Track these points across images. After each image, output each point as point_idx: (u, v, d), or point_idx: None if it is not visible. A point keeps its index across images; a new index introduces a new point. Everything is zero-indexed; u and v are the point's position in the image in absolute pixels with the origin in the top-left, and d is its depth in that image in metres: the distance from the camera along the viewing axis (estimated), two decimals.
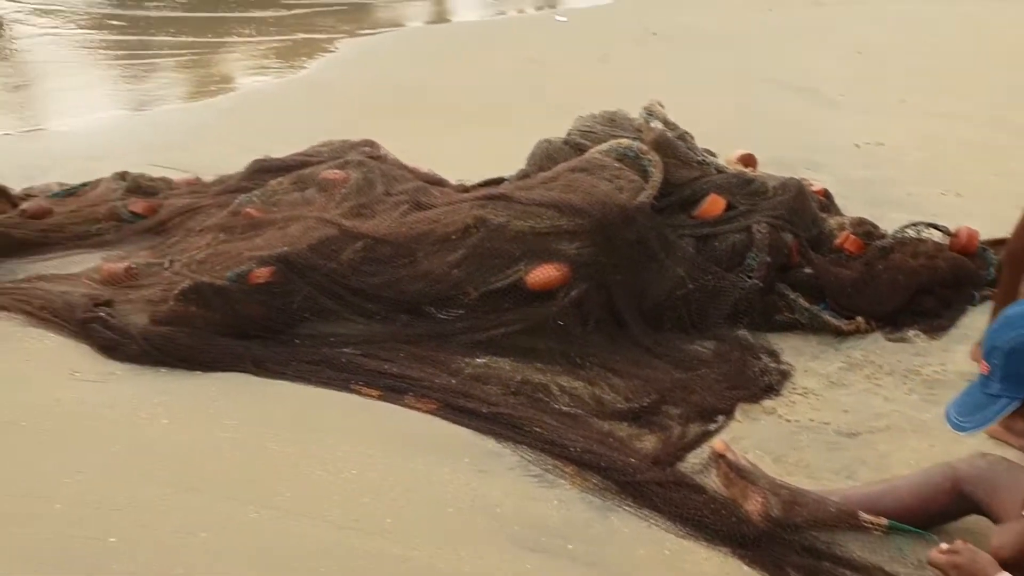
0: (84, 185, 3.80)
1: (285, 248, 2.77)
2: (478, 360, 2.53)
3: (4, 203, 3.44)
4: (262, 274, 2.69)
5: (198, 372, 2.53)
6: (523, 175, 3.23)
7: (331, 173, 3.29)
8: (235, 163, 4.22)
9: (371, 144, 3.85)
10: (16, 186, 3.91)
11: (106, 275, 2.99)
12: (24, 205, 3.43)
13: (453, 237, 2.76)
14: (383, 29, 8.09)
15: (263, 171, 3.59)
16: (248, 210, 3.12)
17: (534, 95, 5.62)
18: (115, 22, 7.83)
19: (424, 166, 3.74)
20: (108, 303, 2.79)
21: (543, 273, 2.57)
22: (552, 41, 7.29)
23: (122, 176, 3.71)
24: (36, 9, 8.34)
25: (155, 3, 8.34)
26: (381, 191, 3.20)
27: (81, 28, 7.75)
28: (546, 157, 3.14)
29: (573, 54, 6.80)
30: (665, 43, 7.15)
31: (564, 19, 8.13)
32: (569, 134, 3.15)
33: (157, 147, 4.65)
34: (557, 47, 7.06)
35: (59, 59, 6.76)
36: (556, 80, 5.99)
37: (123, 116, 5.56)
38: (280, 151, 4.21)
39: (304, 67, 6.52)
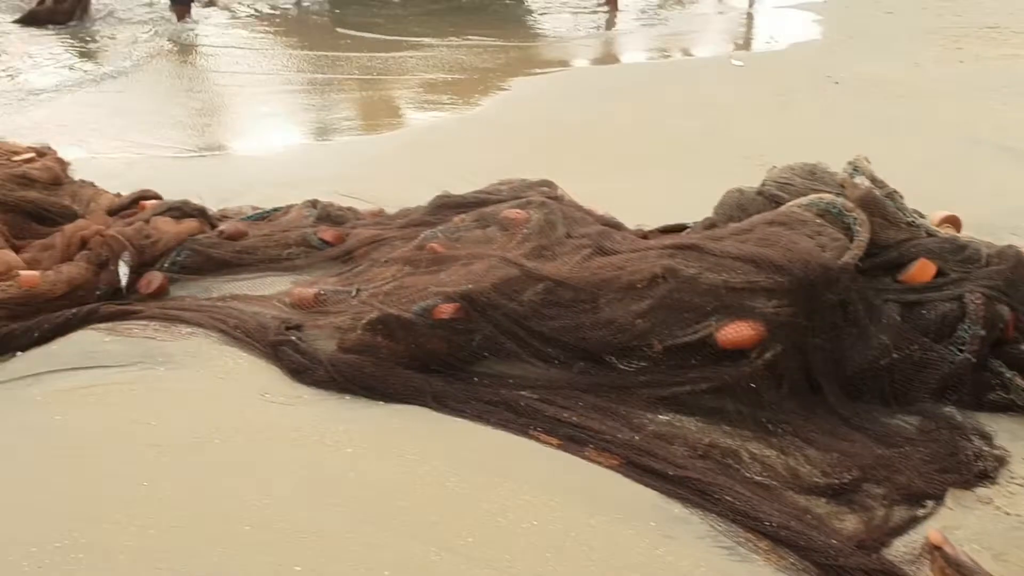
0: (276, 210, 3.97)
1: (469, 285, 2.77)
2: (661, 417, 2.44)
3: (204, 223, 3.63)
4: (446, 310, 2.70)
5: (380, 402, 2.56)
6: (710, 224, 3.13)
7: (513, 212, 3.29)
8: (415, 196, 4.31)
9: (549, 184, 3.84)
10: (211, 206, 4.14)
11: (296, 299, 3.09)
12: (222, 226, 3.60)
13: (639, 285, 2.69)
14: (553, 69, 8.16)
15: (445, 207, 3.64)
16: (433, 245, 3.16)
17: (711, 139, 5.49)
18: (298, 51, 8.22)
19: (600, 208, 3.70)
20: (298, 327, 2.88)
21: (736, 330, 2.46)
22: (727, 85, 7.13)
23: (312, 204, 3.85)
24: (227, 44, 8.93)
25: (340, 41, 8.71)
26: (562, 233, 3.17)
27: (265, 57, 8.20)
28: (737, 207, 3.03)
29: (750, 99, 6.63)
30: (847, 92, 6.87)
31: (741, 64, 7.95)
32: (764, 184, 3.03)
33: (341, 177, 4.82)
34: (733, 91, 6.91)
35: (245, 85, 7.14)
36: (733, 125, 5.84)
37: (309, 145, 5.80)
38: (458, 187, 4.27)
39: (479, 104, 6.63)
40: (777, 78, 7.32)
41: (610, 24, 10.13)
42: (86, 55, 8.26)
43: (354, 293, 3.06)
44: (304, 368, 2.66)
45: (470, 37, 9.09)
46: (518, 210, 3.30)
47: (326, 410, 2.50)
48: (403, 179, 4.83)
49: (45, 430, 2.37)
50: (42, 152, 4.59)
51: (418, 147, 5.47)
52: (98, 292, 3.13)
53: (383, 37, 9.00)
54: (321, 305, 3.05)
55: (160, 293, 3.21)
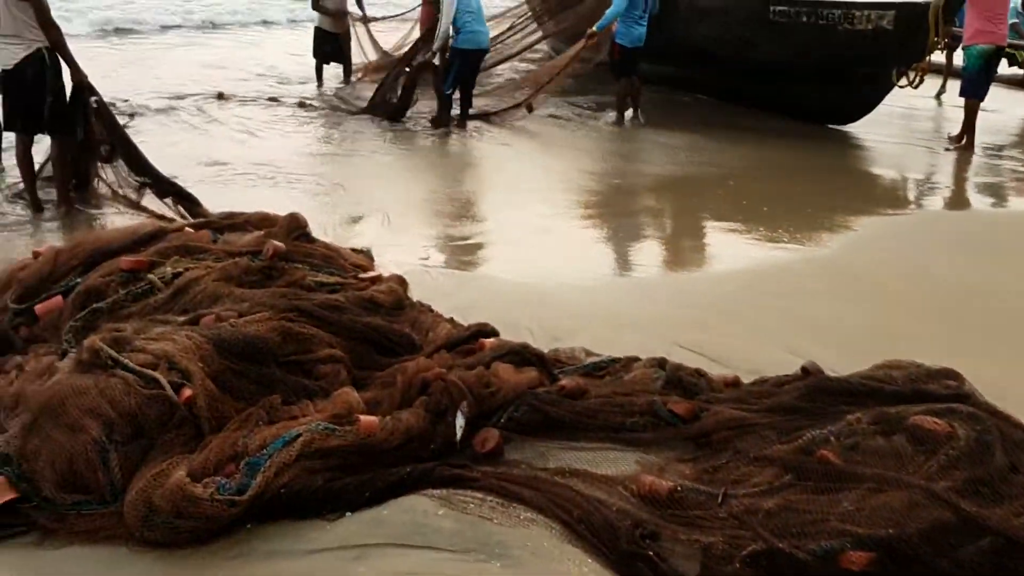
0: (613, 362, 3.57)
1: (889, 529, 2.13)
2: None
3: (542, 373, 3.29)
4: (859, 560, 2.08)
5: None
6: None
7: (928, 421, 2.60)
8: (768, 358, 3.77)
9: (954, 376, 3.10)
10: (541, 343, 3.83)
11: (647, 490, 2.60)
12: (563, 381, 3.23)
13: None
14: (902, 210, 7.30)
15: (824, 392, 3.02)
16: (825, 453, 2.55)
17: None
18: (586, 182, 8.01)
19: None
20: (654, 536, 2.38)
21: None
22: None
23: (660, 364, 3.39)
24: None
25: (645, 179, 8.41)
26: (1003, 463, 2.43)
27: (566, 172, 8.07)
28: None
29: None
30: None
31: None
32: None
33: (675, 322, 4.36)
34: None
35: (561, 208, 6.97)
36: None
37: (637, 280, 5.41)
38: (814, 351, 3.68)
39: (826, 244, 5.96)
40: None
41: (964, 165, 9.00)
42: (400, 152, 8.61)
43: (720, 499, 2.52)
44: None
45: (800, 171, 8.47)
46: (935, 419, 2.61)
47: None
48: (746, 333, 4.28)
49: None
50: (367, 255, 4.60)
51: (759, 292, 4.90)
52: (432, 447, 2.84)
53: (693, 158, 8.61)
54: (678, 506, 2.54)
55: (495, 453, 2.87)
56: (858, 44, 9.32)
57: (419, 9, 11.33)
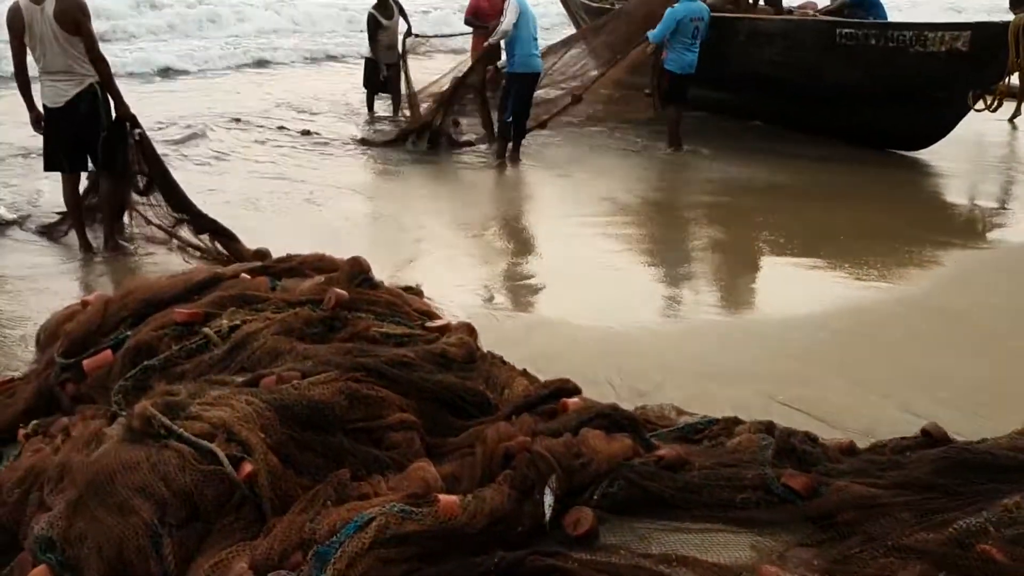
0: (711, 423, 3.21)
1: None
2: None
3: (635, 440, 2.94)
4: None
5: None
6: None
7: None
8: (875, 416, 3.39)
9: None
10: (626, 400, 3.51)
11: None
12: (661, 451, 2.88)
13: None
14: (988, 244, 6.85)
15: (965, 466, 2.63)
16: (986, 547, 2.17)
17: None
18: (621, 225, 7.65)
19: None
20: None
21: None
22: None
23: (767, 428, 3.03)
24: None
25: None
26: None
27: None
28: None
29: None
30: None
31: None
32: None
33: (774, 375, 3.98)
34: None
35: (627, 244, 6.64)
36: None
37: (719, 322, 5.04)
38: (925, 405, 3.31)
39: (915, 282, 5.54)
40: None
41: None
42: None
43: None
44: None
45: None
46: None
47: None
48: (850, 386, 3.89)
49: None
50: (417, 292, 4.31)
51: (856, 338, 4.51)
52: (520, 529, 2.51)
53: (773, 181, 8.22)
54: None
55: (590, 536, 2.53)
56: (931, 66, 8.90)
57: (470, 38, 11.18)
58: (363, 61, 11.20)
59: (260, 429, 2.60)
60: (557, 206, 7.65)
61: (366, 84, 11.04)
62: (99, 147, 5.58)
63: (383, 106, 11.20)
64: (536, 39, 8.84)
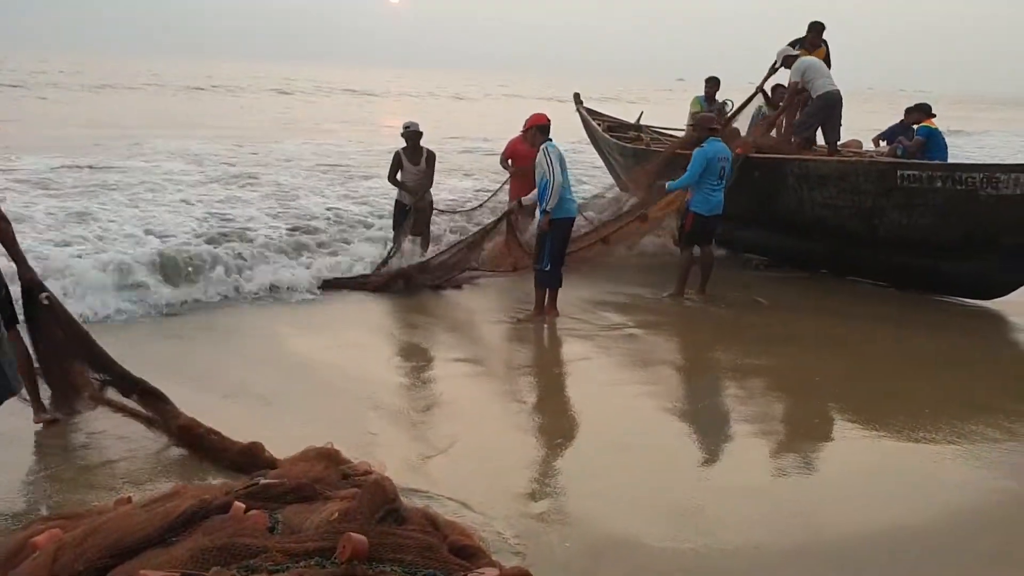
0: None
1: None
2: None
3: None
4: None
5: None
6: None
7: None
8: None
9: None
10: None
11: None
12: None
13: None
14: None
15: None
16: None
17: None
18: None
19: None
20: None
21: None
22: None
23: None
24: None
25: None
26: None
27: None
28: None
29: None
30: None
31: None
32: None
33: None
34: None
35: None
36: None
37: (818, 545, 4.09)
38: None
39: None
40: None
41: None
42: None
43: None
44: None
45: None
46: None
47: None
48: None
49: None
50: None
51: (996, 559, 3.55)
52: None
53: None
54: None
55: None
56: (1005, 210, 8.19)
57: (508, 184, 10.69)
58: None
59: None
60: (606, 371, 6.76)
61: (394, 226, 10.49)
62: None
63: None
64: (569, 182, 8.28)
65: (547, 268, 8.14)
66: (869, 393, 6.15)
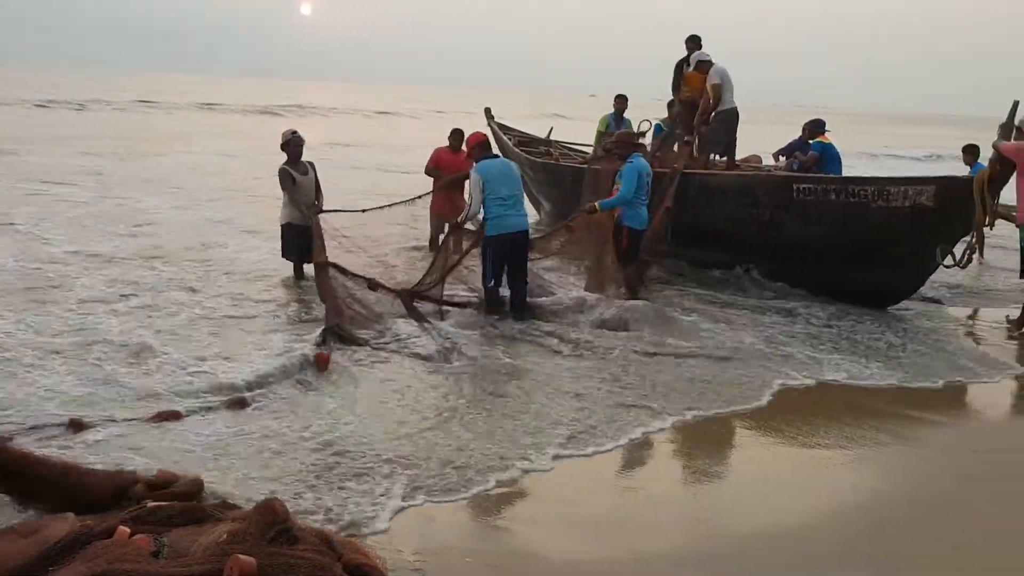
0: None
1: None
2: None
3: None
4: None
5: None
6: None
7: None
8: None
9: None
10: None
11: None
12: None
13: None
14: None
15: None
16: None
17: None
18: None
19: None
20: None
21: None
22: None
23: None
24: None
25: None
26: None
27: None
28: None
29: None
30: None
31: None
32: None
33: None
34: None
35: None
36: None
37: None
38: None
39: None
40: None
41: None
42: None
43: None
44: None
45: None
46: None
47: None
48: None
49: None
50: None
51: None
52: None
53: None
54: None
55: None
56: (895, 222, 8.54)
57: (429, 197, 9.97)
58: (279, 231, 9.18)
59: None
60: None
61: (284, 254, 9.17)
62: None
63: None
64: (512, 196, 8.11)
65: (491, 285, 8.10)
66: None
